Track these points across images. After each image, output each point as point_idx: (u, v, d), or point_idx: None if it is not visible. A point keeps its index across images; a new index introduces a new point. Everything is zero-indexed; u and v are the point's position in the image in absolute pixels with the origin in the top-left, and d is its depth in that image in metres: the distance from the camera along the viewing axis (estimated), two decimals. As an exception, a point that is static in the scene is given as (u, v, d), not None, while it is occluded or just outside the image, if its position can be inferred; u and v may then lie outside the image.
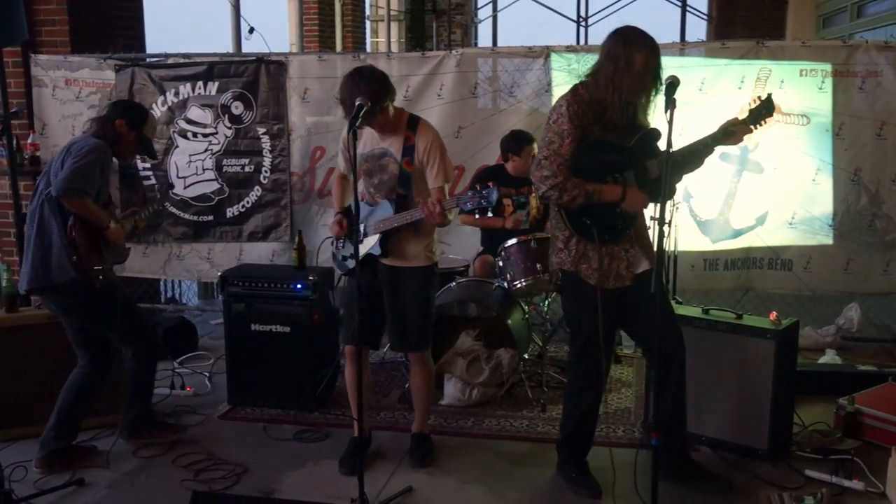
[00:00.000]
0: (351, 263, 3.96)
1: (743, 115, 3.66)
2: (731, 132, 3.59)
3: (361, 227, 3.95)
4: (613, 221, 3.58)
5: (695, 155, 3.62)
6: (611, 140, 3.54)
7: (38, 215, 3.95)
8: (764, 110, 3.63)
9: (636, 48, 3.39)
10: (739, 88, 5.33)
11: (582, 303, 3.63)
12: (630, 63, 3.39)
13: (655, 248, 3.13)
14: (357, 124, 3.44)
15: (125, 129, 4.11)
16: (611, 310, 3.61)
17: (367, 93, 3.60)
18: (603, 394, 3.92)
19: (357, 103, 3.49)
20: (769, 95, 3.67)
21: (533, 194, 5.34)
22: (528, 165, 5.27)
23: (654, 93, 3.48)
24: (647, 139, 3.58)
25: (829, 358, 5.31)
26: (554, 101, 5.55)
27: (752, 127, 3.61)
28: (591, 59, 5.36)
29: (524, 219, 5.28)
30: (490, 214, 3.65)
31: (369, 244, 3.89)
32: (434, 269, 4.05)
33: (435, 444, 4.25)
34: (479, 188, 3.61)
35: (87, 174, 3.84)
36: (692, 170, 3.73)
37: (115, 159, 4.16)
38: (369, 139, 3.94)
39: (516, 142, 5.26)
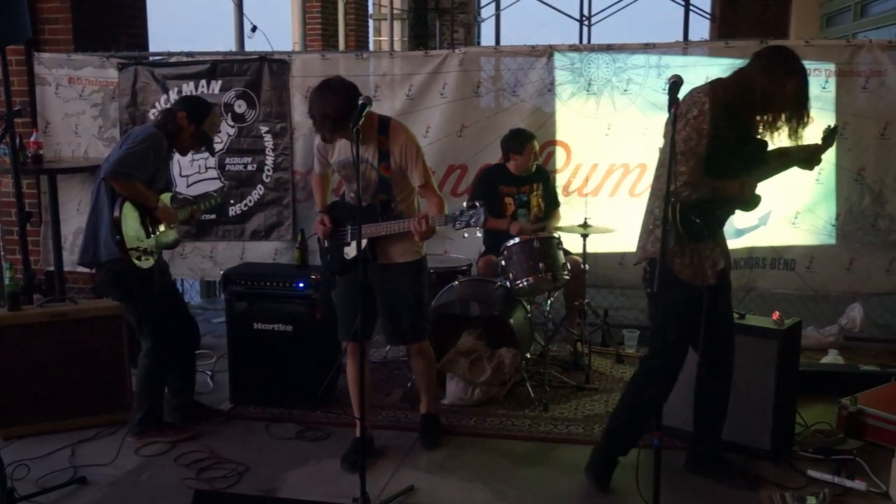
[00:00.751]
0: (340, 265, 4.04)
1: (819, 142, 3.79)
2: (812, 156, 3.77)
3: (348, 228, 4.03)
4: (719, 221, 3.64)
5: (775, 170, 3.74)
6: (736, 143, 3.54)
7: (95, 196, 4.16)
8: (831, 140, 3.80)
9: (793, 74, 3.42)
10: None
11: (672, 296, 3.54)
12: (782, 85, 3.41)
13: (659, 247, 3.13)
14: (360, 123, 3.42)
15: (185, 121, 4.25)
16: (697, 307, 3.60)
17: (338, 104, 3.64)
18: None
19: (360, 102, 3.47)
20: (836, 126, 3.87)
21: (534, 193, 5.35)
22: (529, 163, 5.27)
23: (782, 121, 3.50)
24: (761, 148, 3.61)
25: (832, 358, 5.31)
26: (557, 100, 5.60)
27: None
28: (594, 58, 5.49)
29: (525, 218, 5.28)
30: (479, 233, 3.65)
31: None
32: (423, 261, 4.12)
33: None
34: (467, 208, 3.65)
35: (137, 159, 4.02)
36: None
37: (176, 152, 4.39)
38: (342, 146, 3.92)
39: (517, 140, 5.26)
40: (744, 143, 3.56)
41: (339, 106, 3.65)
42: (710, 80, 4.35)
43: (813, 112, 5.18)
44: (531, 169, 5.30)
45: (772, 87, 3.40)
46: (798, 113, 3.46)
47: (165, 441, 4.29)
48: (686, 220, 3.50)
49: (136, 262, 4.10)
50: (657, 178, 3.70)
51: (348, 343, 4.04)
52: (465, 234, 3.71)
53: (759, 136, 3.58)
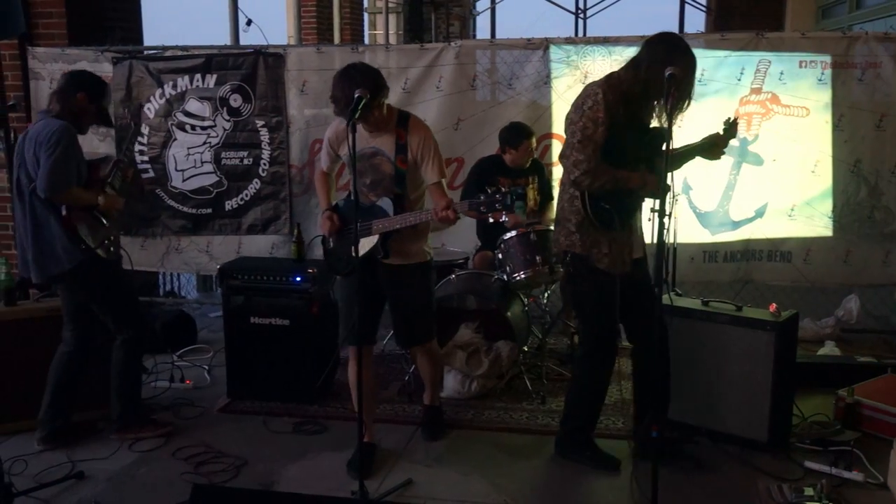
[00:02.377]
0: (347, 264, 3.93)
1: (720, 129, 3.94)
2: (714, 146, 3.90)
3: (359, 225, 3.94)
4: (628, 209, 3.70)
5: (682, 158, 3.87)
6: (634, 132, 3.64)
7: (30, 208, 4.00)
8: (733, 132, 3.96)
9: (677, 57, 3.44)
10: (739, 80, 5.33)
11: (593, 287, 3.72)
12: (667, 67, 3.39)
13: (656, 240, 3.13)
14: (356, 116, 3.41)
15: (86, 101, 4.09)
16: (616, 294, 3.71)
17: (366, 86, 3.56)
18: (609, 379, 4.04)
19: (356, 95, 3.46)
20: (736, 119, 3.99)
21: (530, 186, 5.33)
22: (525, 158, 5.26)
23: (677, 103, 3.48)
24: (657, 137, 3.65)
25: (829, 349, 5.32)
26: (553, 93, 5.59)
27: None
28: (590, 51, 5.48)
29: (524, 219, 5.25)
30: (504, 217, 3.63)
31: (368, 245, 3.83)
32: (431, 263, 4.12)
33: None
34: (491, 193, 3.56)
35: (65, 166, 3.89)
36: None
37: None
38: (359, 138, 3.82)
39: (514, 135, 5.24)
40: (642, 132, 3.66)
41: (370, 86, 3.58)
42: (704, 72, 4.39)
43: (810, 104, 5.28)
44: (525, 164, 5.29)
45: (652, 74, 3.45)
46: (680, 94, 3.42)
47: (150, 436, 4.26)
48: (596, 208, 3.62)
49: (105, 255, 4.05)
50: (564, 170, 3.76)
51: (350, 346, 3.94)
52: (491, 220, 3.62)
53: (655, 126, 3.66)
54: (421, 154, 3.84)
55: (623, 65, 3.68)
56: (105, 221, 4.10)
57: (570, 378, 4.21)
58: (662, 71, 3.32)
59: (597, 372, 3.92)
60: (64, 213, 3.95)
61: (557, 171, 5.70)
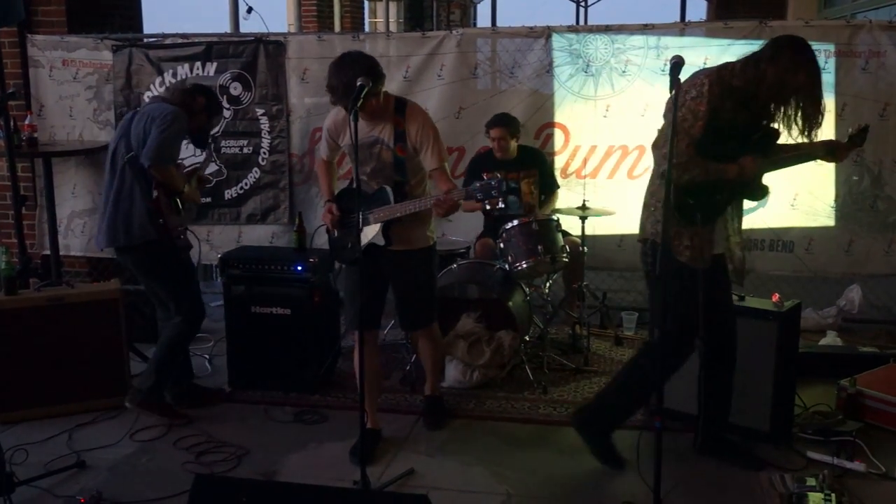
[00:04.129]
0: (350, 253, 3.95)
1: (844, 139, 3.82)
2: (834, 151, 3.75)
3: (360, 214, 3.92)
4: (715, 205, 3.59)
5: (789, 161, 3.76)
6: (738, 128, 3.52)
7: (120, 178, 4.17)
8: (859, 140, 3.81)
9: (803, 65, 3.38)
10: (742, 69, 5.30)
11: (674, 277, 3.54)
12: (790, 71, 3.38)
13: (661, 231, 3.12)
14: (358, 105, 3.39)
15: (202, 108, 4.32)
16: (696, 288, 3.62)
17: (363, 73, 3.53)
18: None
19: (359, 84, 3.43)
20: (867, 126, 3.84)
21: (524, 179, 5.31)
22: (503, 147, 5.22)
23: (791, 110, 3.46)
24: (768, 138, 3.58)
25: (831, 339, 5.31)
26: (555, 82, 5.56)
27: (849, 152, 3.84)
28: (593, 39, 5.45)
29: (516, 205, 5.18)
30: (501, 204, 3.61)
31: (370, 233, 3.85)
32: (435, 248, 4.13)
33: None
34: (487, 179, 3.61)
35: (172, 144, 4.12)
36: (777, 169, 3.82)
37: None
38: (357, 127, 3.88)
39: (489, 123, 5.28)
40: (752, 129, 3.52)
41: (368, 73, 3.55)
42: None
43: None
44: (511, 155, 5.27)
45: (782, 77, 3.38)
46: (808, 106, 3.42)
47: (161, 421, 4.29)
48: (679, 202, 3.50)
49: (176, 239, 4.24)
50: (655, 161, 3.69)
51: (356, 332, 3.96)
52: (488, 207, 3.60)
53: (771, 126, 3.55)
54: (420, 141, 3.84)
55: (743, 56, 3.55)
56: (181, 210, 4.26)
57: (627, 363, 4.03)
58: (782, 75, 3.32)
59: (650, 366, 3.71)
60: (155, 194, 4.11)
61: (560, 161, 5.68)
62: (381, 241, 3.85)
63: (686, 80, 3.44)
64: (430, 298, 4.13)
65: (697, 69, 3.57)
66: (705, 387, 3.84)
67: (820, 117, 3.46)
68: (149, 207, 4.12)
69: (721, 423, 3.88)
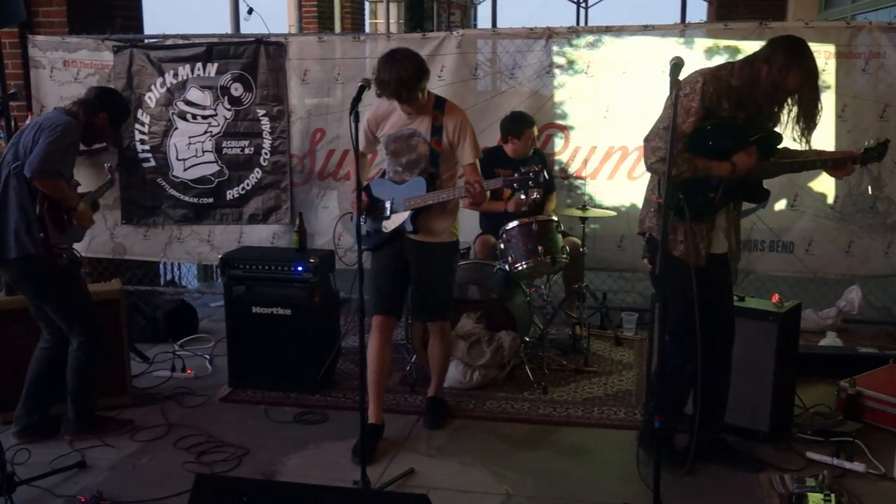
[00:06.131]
0: (375, 239, 4.10)
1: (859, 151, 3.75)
2: (843, 164, 3.68)
3: (388, 204, 4.06)
4: (704, 201, 3.57)
5: (795, 168, 3.74)
6: (735, 127, 3.52)
7: (3, 188, 3.94)
8: (876, 154, 3.73)
9: (797, 67, 3.38)
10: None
11: (671, 271, 3.48)
12: (784, 71, 3.38)
13: (663, 231, 3.12)
14: (358, 105, 3.43)
15: (106, 123, 4.13)
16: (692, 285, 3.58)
17: (413, 69, 3.77)
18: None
19: (359, 84, 3.55)
20: (887, 141, 3.77)
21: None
22: (527, 148, 5.24)
23: (789, 111, 3.48)
24: (768, 140, 3.57)
25: (830, 340, 5.32)
26: (556, 82, 5.57)
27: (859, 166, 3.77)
28: (593, 41, 5.45)
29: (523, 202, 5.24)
30: (536, 195, 3.71)
31: (398, 220, 4.02)
32: (458, 244, 4.23)
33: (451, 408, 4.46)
34: (525, 171, 3.79)
35: (62, 155, 3.87)
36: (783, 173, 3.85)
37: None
38: (397, 120, 4.04)
39: (516, 125, 5.23)
40: (750, 130, 3.52)
41: (414, 70, 3.79)
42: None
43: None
44: (528, 153, 5.28)
45: (776, 78, 3.39)
46: (803, 108, 3.43)
47: (105, 438, 4.16)
48: (668, 195, 3.48)
49: (59, 259, 3.95)
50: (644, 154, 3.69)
51: (375, 316, 4.10)
52: (523, 197, 3.88)
53: (773, 129, 3.55)
54: (458, 137, 4.00)
55: (742, 56, 3.59)
56: (71, 227, 4.02)
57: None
58: (775, 75, 3.33)
59: (676, 362, 3.71)
60: (40, 200, 3.86)
61: (560, 161, 5.69)
62: (410, 228, 3.99)
63: (685, 79, 3.45)
64: (448, 291, 4.22)
65: (696, 70, 3.57)
66: (702, 389, 3.76)
67: (817, 119, 3.46)
68: (28, 220, 3.86)
69: (717, 425, 3.87)
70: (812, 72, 3.43)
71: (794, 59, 3.39)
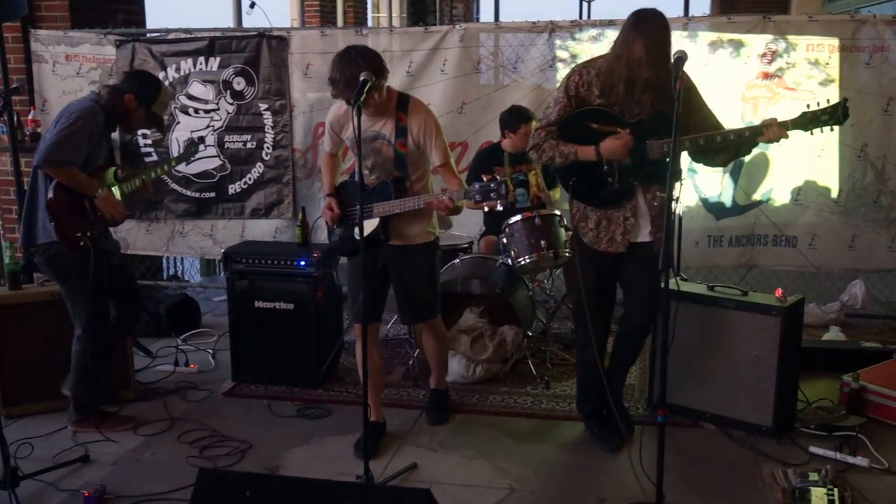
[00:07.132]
0: (349, 245, 3.97)
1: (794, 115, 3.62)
2: (761, 130, 3.54)
3: (359, 208, 3.94)
4: (602, 183, 3.65)
5: (721, 146, 3.58)
6: (610, 111, 3.58)
7: (33, 178, 4.01)
8: (827, 116, 3.56)
9: (640, 33, 3.39)
10: (746, 63, 5.29)
11: (580, 261, 3.81)
12: (628, 45, 3.42)
13: (664, 226, 3.13)
14: (361, 100, 3.39)
15: (133, 104, 4.07)
16: (602, 272, 3.80)
17: (368, 68, 3.52)
18: (602, 352, 4.04)
19: (362, 79, 3.44)
20: (845, 100, 3.61)
21: (532, 171, 5.30)
22: (525, 142, 5.23)
23: (657, 76, 3.41)
24: (658, 119, 3.52)
25: (834, 335, 5.31)
26: (558, 77, 5.55)
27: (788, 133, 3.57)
28: (596, 34, 5.44)
29: (524, 197, 5.20)
30: (499, 207, 3.57)
31: (370, 227, 3.82)
32: (436, 242, 4.09)
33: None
34: (487, 181, 3.54)
35: (69, 143, 3.84)
36: (731, 159, 3.86)
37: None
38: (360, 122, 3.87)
39: (513, 119, 5.21)
40: (627, 106, 3.55)
41: (373, 68, 3.54)
42: (710, 55, 4.30)
43: (817, 89, 5.23)
44: (526, 148, 5.26)
45: (619, 52, 3.46)
46: (655, 70, 3.37)
47: (104, 432, 4.16)
48: (563, 182, 3.76)
49: (77, 245, 3.94)
50: None
51: (356, 325, 3.98)
52: (486, 208, 3.59)
53: (661, 109, 3.48)
54: (423, 137, 3.82)
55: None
56: (92, 215, 4.00)
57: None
58: (630, 47, 3.38)
59: (581, 349, 4.02)
60: (50, 194, 3.87)
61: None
62: (381, 237, 3.84)
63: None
64: (430, 292, 4.08)
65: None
66: (612, 359, 4.06)
67: (659, 73, 3.35)
68: (46, 207, 3.90)
69: (615, 391, 4.02)
70: (655, 33, 3.36)
71: (639, 26, 3.40)
